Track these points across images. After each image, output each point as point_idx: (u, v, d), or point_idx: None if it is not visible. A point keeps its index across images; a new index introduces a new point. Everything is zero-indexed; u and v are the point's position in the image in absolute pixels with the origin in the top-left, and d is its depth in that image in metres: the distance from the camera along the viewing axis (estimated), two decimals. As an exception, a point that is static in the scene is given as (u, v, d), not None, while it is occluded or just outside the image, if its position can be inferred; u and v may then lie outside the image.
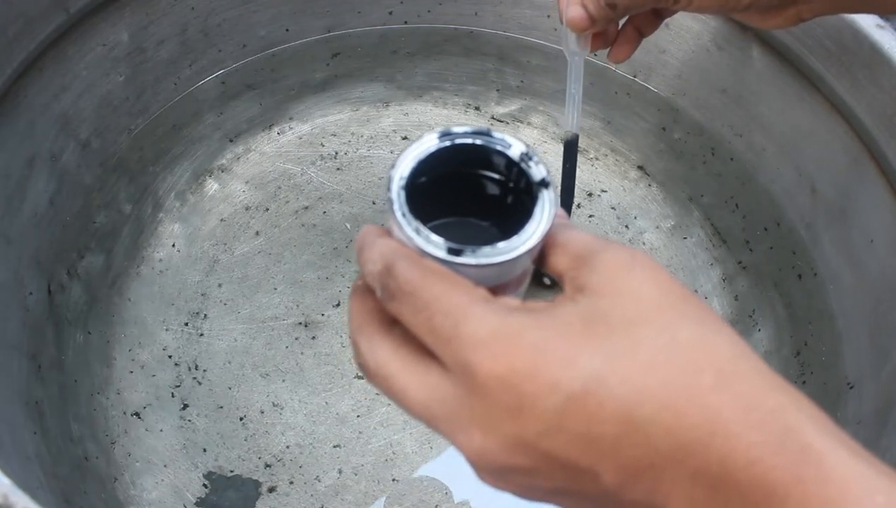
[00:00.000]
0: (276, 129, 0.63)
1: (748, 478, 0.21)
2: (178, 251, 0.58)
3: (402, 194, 0.25)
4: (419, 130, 0.63)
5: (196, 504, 0.50)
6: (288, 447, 0.52)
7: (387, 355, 0.25)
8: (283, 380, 0.54)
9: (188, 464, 0.51)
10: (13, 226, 0.49)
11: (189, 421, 0.52)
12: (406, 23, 0.61)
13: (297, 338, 0.55)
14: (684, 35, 0.57)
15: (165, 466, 0.51)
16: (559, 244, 0.26)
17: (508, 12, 0.60)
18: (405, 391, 0.25)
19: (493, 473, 0.24)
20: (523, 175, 0.26)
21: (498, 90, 0.63)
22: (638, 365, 0.22)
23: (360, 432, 0.52)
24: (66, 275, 0.53)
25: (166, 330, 0.55)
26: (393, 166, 0.25)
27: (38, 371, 0.49)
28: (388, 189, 0.25)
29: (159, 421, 0.52)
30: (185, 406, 0.53)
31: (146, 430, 0.52)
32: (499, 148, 0.26)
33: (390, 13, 0.61)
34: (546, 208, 0.25)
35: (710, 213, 0.59)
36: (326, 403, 0.53)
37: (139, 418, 0.52)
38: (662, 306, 0.24)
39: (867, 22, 0.47)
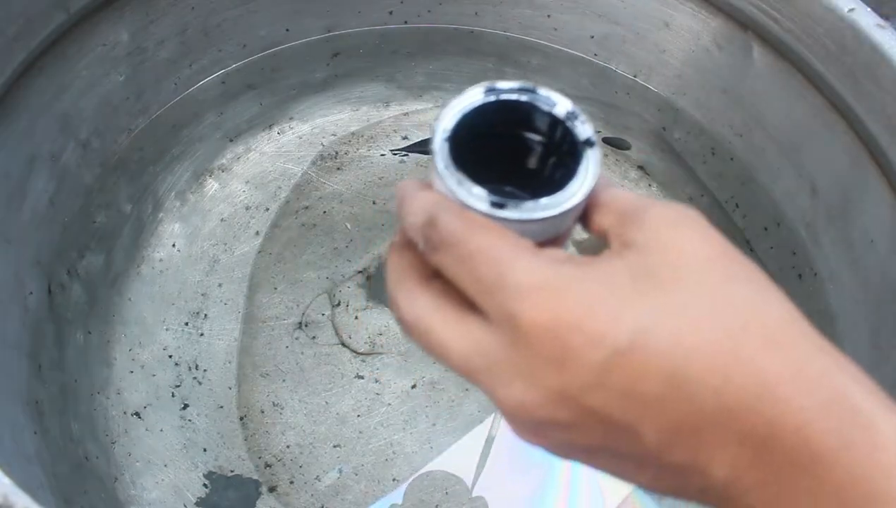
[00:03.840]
0: (276, 129, 0.63)
1: (796, 442, 0.21)
2: (179, 251, 0.58)
3: (446, 146, 0.25)
4: (419, 130, 0.63)
5: (196, 503, 0.50)
6: (288, 446, 0.52)
7: (426, 308, 0.25)
8: (284, 380, 0.54)
9: (188, 464, 0.51)
10: (13, 226, 0.49)
11: (189, 420, 0.52)
12: (406, 23, 0.61)
13: (297, 338, 0.55)
14: (684, 35, 0.57)
15: (166, 466, 0.51)
16: (603, 203, 0.25)
17: (508, 12, 0.60)
18: (445, 343, 0.24)
19: (531, 427, 0.24)
20: (568, 133, 0.26)
21: (498, 90, 0.63)
22: (686, 324, 0.22)
23: (360, 432, 0.52)
24: (66, 275, 0.53)
25: (166, 329, 0.55)
26: (437, 119, 0.25)
27: (38, 371, 0.49)
28: (432, 141, 0.25)
29: (159, 421, 0.52)
30: (186, 405, 0.53)
31: (146, 430, 0.52)
32: (544, 105, 0.26)
33: (390, 13, 0.61)
34: (590, 167, 0.25)
35: (710, 213, 0.59)
36: (326, 403, 0.53)
37: (139, 418, 0.52)
38: (712, 265, 0.23)
39: (867, 22, 0.47)
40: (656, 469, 0.23)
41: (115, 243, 0.56)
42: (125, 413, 0.52)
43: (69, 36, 0.51)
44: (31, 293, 0.50)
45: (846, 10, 0.47)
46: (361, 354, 0.55)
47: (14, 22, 0.47)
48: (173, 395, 0.53)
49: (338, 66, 0.62)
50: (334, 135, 0.63)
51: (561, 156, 0.26)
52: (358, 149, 0.63)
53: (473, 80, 0.26)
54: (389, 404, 0.53)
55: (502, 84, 0.26)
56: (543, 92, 0.26)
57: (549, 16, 0.60)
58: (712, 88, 0.58)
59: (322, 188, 0.61)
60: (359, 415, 0.53)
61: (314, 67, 0.62)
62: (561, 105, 0.26)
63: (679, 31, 0.57)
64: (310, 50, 0.61)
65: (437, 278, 0.25)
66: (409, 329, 0.26)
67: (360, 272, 0.58)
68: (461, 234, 0.24)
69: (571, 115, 0.26)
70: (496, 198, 0.24)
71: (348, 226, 0.60)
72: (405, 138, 0.63)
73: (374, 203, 0.61)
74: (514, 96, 0.26)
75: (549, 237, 0.25)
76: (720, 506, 0.23)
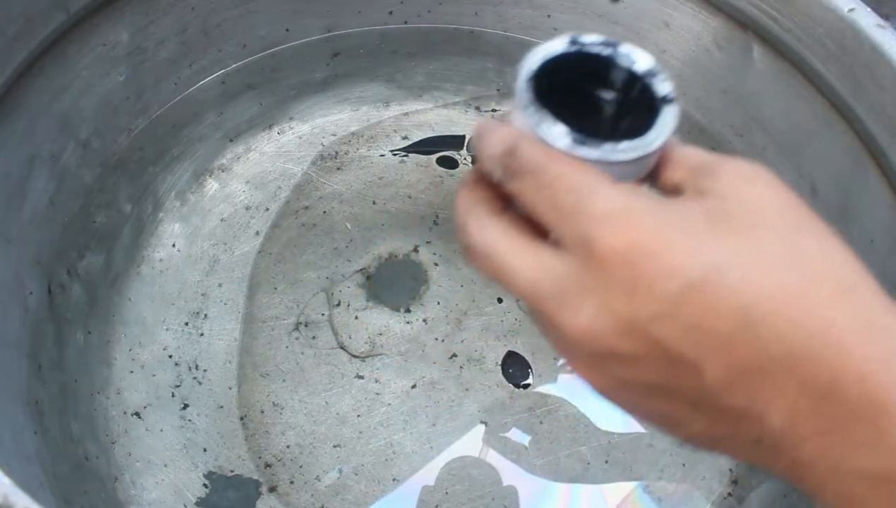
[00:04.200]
0: (276, 129, 0.63)
1: (858, 393, 0.21)
2: (179, 251, 0.58)
3: (530, 85, 0.26)
4: (419, 130, 0.63)
5: (196, 503, 0.50)
6: (288, 446, 0.52)
7: (496, 235, 0.25)
8: (284, 380, 0.54)
9: (188, 464, 0.51)
10: (13, 226, 0.49)
11: (189, 420, 0.52)
12: (406, 22, 0.61)
13: (297, 338, 0.55)
14: (684, 35, 0.57)
15: (166, 466, 0.51)
16: (676, 158, 0.26)
17: (509, 12, 0.60)
18: (513, 269, 0.25)
19: (591, 358, 0.24)
20: (647, 89, 0.26)
21: (498, 90, 0.63)
22: (759, 266, 0.22)
23: (360, 432, 0.52)
24: (66, 275, 0.53)
25: (166, 329, 0.55)
26: (521, 62, 0.27)
27: (38, 371, 0.49)
28: (515, 81, 0.26)
29: (159, 421, 0.52)
30: (186, 405, 0.53)
31: (146, 430, 0.52)
32: (624, 61, 0.27)
33: (390, 13, 0.61)
34: (668, 121, 0.26)
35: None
36: (326, 403, 0.53)
37: (139, 418, 0.52)
38: (786, 217, 0.23)
39: (867, 22, 0.47)
40: (712, 413, 0.23)
41: (115, 243, 0.56)
42: (125, 413, 0.52)
43: (69, 36, 0.51)
44: (31, 293, 0.50)
45: (846, 10, 0.47)
46: (359, 357, 0.55)
47: (14, 22, 0.47)
48: (173, 395, 0.53)
49: (338, 66, 0.62)
50: (334, 135, 0.63)
51: (638, 110, 0.27)
52: (358, 149, 0.63)
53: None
54: (389, 404, 0.53)
55: (586, 37, 0.27)
56: (625, 48, 0.26)
57: (549, 16, 0.60)
58: (712, 88, 0.58)
59: (322, 188, 0.61)
60: (359, 415, 0.53)
61: (314, 67, 0.62)
62: (642, 62, 0.26)
63: (679, 31, 0.57)
64: (310, 50, 0.61)
65: (509, 211, 0.26)
66: (476, 255, 0.26)
67: (360, 272, 0.58)
68: (541, 162, 0.24)
69: (651, 73, 0.26)
70: (577, 136, 0.25)
71: (348, 226, 0.60)
72: (405, 138, 0.63)
73: (374, 203, 0.61)
74: (595, 49, 0.27)
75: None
76: (769, 460, 0.23)
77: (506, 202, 0.26)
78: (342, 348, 0.55)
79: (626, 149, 0.25)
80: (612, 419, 0.53)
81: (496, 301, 0.57)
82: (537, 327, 0.27)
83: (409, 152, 0.63)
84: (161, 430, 0.52)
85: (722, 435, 0.24)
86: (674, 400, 0.24)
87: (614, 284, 0.22)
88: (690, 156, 0.26)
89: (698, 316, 0.22)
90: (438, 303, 0.57)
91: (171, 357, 0.54)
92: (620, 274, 0.22)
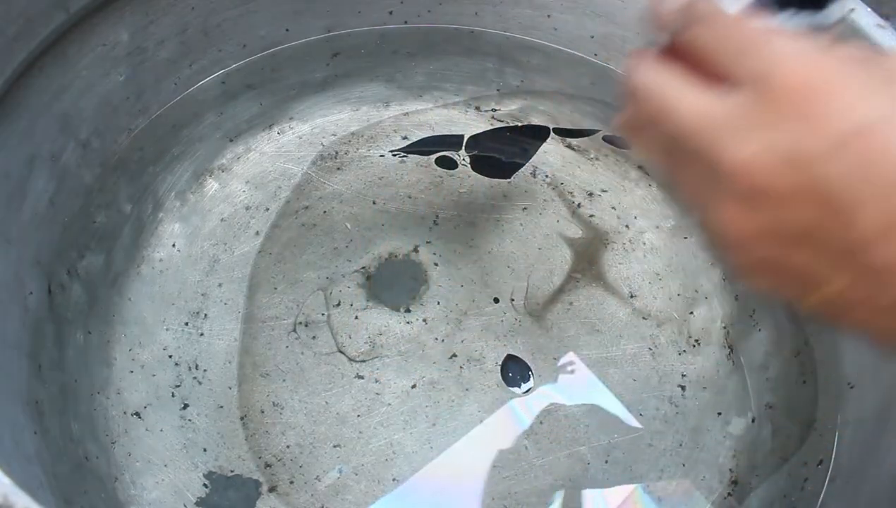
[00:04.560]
0: (276, 129, 0.63)
1: None
2: (179, 251, 0.58)
3: None
4: (419, 130, 0.63)
5: (196, 503, 0.50)
6: (288, 446, 0.52)
7: (669, 75, 0.26)
8: (284, 380, 0.54)
9: (188, 464, 0.51)
10: (13, 226, 0.49)
11: (189, 420, 0.52)
12: (406, 22, 0.61)
13: (297, 338, 0.55)
14: (684, 35, 0.57)
15: (166, 466, 0.51)
16: (839, 50, 0.26)
17: (509, 12, 0.60)
18: (682, 102, 0.25)
19: (744, 197, 0.24)
20: None
21: (498, 90, 0.63)
22: None
23: (360, 432, 0.52)
24: (66, 275, 0.53)
25: (166, 329, 0.55)
26: None
27: (38, 371, 0.49)
28: None
29: (159, 421, 0.52)
30: (186, 405, 0.53)
31: (146, 430, 0.52)
32: None
33: (390, 13, 0.61)
34: (840, 8, 0.27)
35: (711, 213, 0.59)
36: (326, 403, 0.53)
37: (139, 418, 0.52)
38: None
39: (867, 22, 0.47)
40: (856, 269, 0.23)
41: (115, 243, 0.56)
42: (125, 413, 0.52)
43: (69, 36, 0.51)
44: (31, 293, 0.50)
45: (846, 10, 0.47)
46: (356, 360, 0.55)
47: (14, 22, 0.47)
48: (173, 395, 0.53)
49: (338, 66, 0.62)
50: (334, 135, 0.63)
51: (806, 5, 0.28)
52: (358, 149, 0.63)
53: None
54: (389, 404, 0.53)
55: None
56: None
57: (549, 16, 0.60)
58: (712, 88, 0.57)
59: (322, 188, 0.61)
60: (359, 415, 0.53)
61: (314, 67, 0.62)
62: None
63: (679, 30, 0.57)
64: (310, 50, 0.61)
65: (678, 66, 0.26)
66: (645, 92, 0.27)
67: (359, 272, 0.58)
68: (720, 13, 0.25)
69: None
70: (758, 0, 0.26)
71: (348, 226, 0.60)
72: (405, 138, 0.63)
73: (374, 203, 0.61)
74: None
75: None
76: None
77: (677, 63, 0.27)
78: (342, 348, 0.55)
79: (803, 20, 0.26)
80: (612, 419, 0.53)
81: (494, 301, 0.57)
82: (686, 172, 0.27)
83: (408, 152, 0.63)
84: (161, 430, 0.52)
85: (858, 298, 0.24)
86: (818, 251, 0.24)
87: (785, 119, 0.23)
88: (854, 49, 0.26)
89: (863, 160, 0.22)
90: (438, 303, 0.57)
91: (171, 357, 0.54)
92: (793, 109, 0.23)
